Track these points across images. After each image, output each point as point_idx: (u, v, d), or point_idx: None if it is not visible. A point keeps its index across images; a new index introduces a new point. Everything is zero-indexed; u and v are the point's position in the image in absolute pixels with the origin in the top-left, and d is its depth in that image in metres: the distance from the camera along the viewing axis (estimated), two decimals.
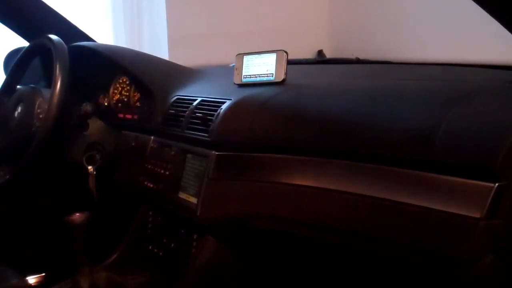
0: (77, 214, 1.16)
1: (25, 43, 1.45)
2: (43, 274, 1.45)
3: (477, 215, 0.65)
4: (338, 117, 0.86)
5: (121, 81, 1.38)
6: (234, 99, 1.01)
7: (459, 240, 0.66)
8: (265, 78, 1.06)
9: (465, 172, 0.67)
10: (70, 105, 1.26)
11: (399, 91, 0.88)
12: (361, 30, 2.05)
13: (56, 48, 1.23)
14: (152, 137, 1.20)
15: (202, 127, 1.03)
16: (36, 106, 1.27)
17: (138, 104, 1.32)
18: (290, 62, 1.04)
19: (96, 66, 1.39)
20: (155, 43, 1.98)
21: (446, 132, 0.70)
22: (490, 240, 0.65)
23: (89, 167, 1.30)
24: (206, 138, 1.01)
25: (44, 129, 1.18)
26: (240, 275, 1.04)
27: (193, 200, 1.00)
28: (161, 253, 1.18)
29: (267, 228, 0.93)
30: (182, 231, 1.11)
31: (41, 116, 1.25)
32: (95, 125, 1.34)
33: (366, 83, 1.01)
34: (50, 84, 1.21)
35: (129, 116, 1.32)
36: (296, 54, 1.23)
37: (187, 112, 1.09)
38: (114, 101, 1.38)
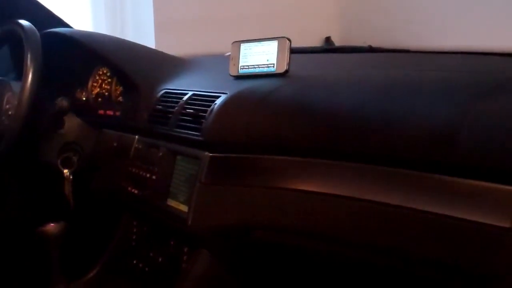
0: (52, 224, 1.16)
1: None
2: None
3: (505, 224, 0.65)
4: (348, 113, 0.86)
5: (101, 72, 1.38)
6: (230, 93, 1.01)
7: (484, 253, 0.66)
8: (265, 69, 1.06)
9: (492, 176, 0.67)
10: (43, 100, 1.26)
11: (418, 83, 0.89)
12: (374, 14, 2.04)
13: (27, 35, 1.23)
14: (136, 137, 1.21)
15: (193, 125, 1.03)
16: (5, 102, 1.27)
17: (120, 99, 1.32)
18: (293, 51, 1.05)
19: (73, 56, 1.40)
20: (140, 29, 1.98)
21: (471, 130, 0.70)
22: None
23: (65, 171, 1.30)
24: (198, 138, 1.01)
25: (13, 127, 1.18)
26: None
27: (184, 208, 1.00)
28: (147, 268, 1.18)
29: (268, 239, 0.94)
30: (171, 243, 1.11)
31: (10, 112, 1.26)
32: (71, 123, 1.34)
33: (381, 74, 1.01)
34: (20, 76, 1.21)
35: (110, 113, 1.32)
36: (300, 41, 1.23)
37: (176, 108, 1.10)
38: (93, 96, 1.38)
